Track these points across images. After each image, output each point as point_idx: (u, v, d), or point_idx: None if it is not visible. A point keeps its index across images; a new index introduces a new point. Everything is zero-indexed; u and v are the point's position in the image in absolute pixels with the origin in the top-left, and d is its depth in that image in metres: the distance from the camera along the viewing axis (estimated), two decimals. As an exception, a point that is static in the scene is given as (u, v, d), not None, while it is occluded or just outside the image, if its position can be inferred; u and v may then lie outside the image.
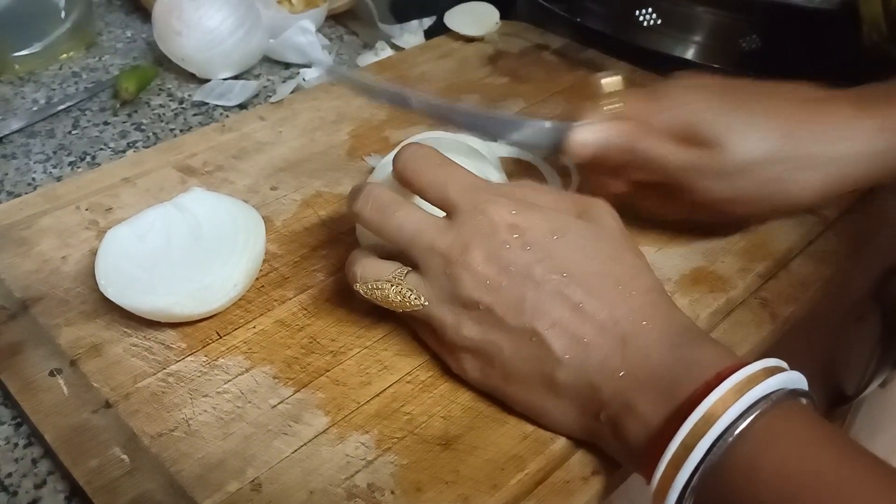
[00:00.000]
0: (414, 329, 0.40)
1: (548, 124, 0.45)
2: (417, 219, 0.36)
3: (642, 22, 0.66)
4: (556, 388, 0.34)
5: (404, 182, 0.38)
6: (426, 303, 0.36)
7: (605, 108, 0.44)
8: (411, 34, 0.73)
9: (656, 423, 0.31)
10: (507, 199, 0.36)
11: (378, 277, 0.37)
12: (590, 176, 0.48)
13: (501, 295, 0.34)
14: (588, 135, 0.43)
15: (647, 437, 0.31)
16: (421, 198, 0.38)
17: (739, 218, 0.47)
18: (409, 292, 0.36)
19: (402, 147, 0.38)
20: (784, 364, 0.32)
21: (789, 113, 0.42)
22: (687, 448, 0.29)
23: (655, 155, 0.42)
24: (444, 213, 0.37)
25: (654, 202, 0.46)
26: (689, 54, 0.64)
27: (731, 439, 0.29)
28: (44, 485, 0.35)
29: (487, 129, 0.47)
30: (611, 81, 0.45)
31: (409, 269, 0.37)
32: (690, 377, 0.31)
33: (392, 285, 0.36)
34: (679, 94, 0.43)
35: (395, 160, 0.38)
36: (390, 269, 0.37)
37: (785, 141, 0.41)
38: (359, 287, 0.37)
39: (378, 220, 0.37)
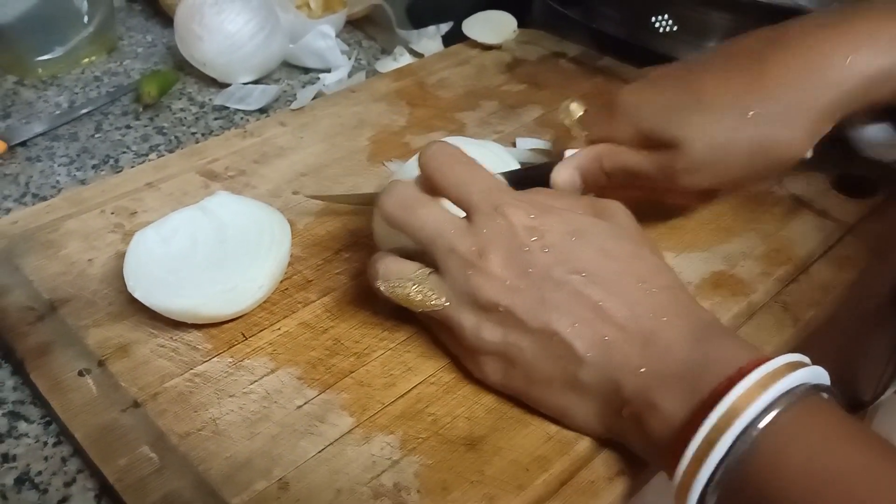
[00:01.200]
0: (434, 333, 0.40)
1: (539, 166, 0.47)
2: (440, 218, 0.37)
3: (658, 28, 0.66)
4: (579, 387, 0.34)
5: (428, 179, 0.38)
6: (446, 303, 0.36)
7: (574, 138, 0.45)
8: (429, 39, 0.74)
9: (679, 419, 0.31)
10: (525, 203, 0.36)
11: (400, 276, 0.37)
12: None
13: (521, 297, 0.34)
14: (566, 173, 0.44)
15: (670, 432, 0.32)
16: (443, 196, 0.38)
17: (744, 187, 0.47)
18: (431, 292, 0.36)
19: (430, 144, 0.39)
20: (806, 359, 0.32)
21: (742, 80, 0.40)
22: (710, 443, 0.29)
23: (630, 167, 0.43)
24: (464, 214, 0.37)
25: (661, 198, 0.46)
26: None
27: (755, 434, 0.29)
28: (73, 483, 0.35)
29: None
30: (574, 106, 0.47)
31: (432, 269, 0.37)
32: (713, 372, 0.31)
33: (414, 284, 0.37)
34: (631, 103, 0.43)
35: (420, 156, 0.38)
36: (413, 268, 0.37)
37: (743, 113, 0.40)
38: (380, 285, 0.38)
39: (401, 216, 0.37)
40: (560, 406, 0.35)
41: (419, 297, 0.37)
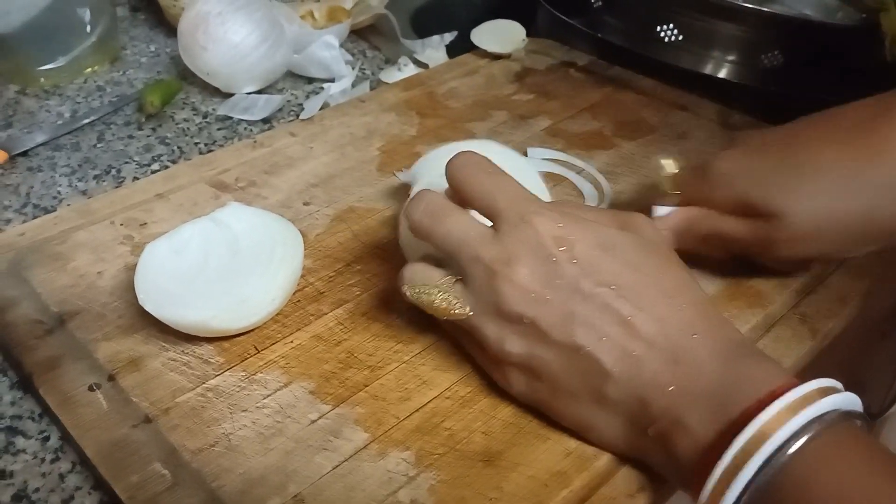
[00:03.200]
0: (459, 341, 0.40)
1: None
2: (466, 227, 0.36)
3: (664, 37, 0.66)
4: (605, 402, 0.34)
5: (454, 188, 0.38)
6: (470, 312, 0.36)
7: (667, 198, 0.44)
8: (433, 49, 0.73)
9: (707, 440, 0.31)
10: (553, 213, 0.36)
11: (426, 282, 0.37)
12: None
13: (547, 309, 0.34)
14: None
15: (696, 453, 0.31)
16: (470, 206, 0.38)
17: (844, 257, 0.46)
18: (455, 300, 0.36)
19: (456, 154, 0.38)
20: (839, 385, 0.31)
21: (851, 149, 0.39)
22: (738, 465, 0.29)
23: (724, 233, 0.42)
24: (491, 223, 0.37)
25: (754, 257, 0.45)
26: (711, 70, 0.64)
27: (784, 459, 0.28)
28: (72, 500, 0.35)
29: None
30: (668, 163, 0.45)
31: (458, 278, 0.37)
32: (743, 394, 0.31)
33: (439, 291, 0.36)
34: (728, 170, 0.42)
35: (447, 166, 0.38)
36: (439, 275, 0.37)
37: (845, 187, 0.39)
38: (406, 290, 0.37)
39: (428, 225, 0.37)
40: (584, 421, 0.35)
41: (444, 304, 0.36)
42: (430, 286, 0.37)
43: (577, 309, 0.34)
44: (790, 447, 0.28)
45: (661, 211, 0.44)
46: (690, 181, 0.44)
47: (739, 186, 0.41)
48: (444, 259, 0.38)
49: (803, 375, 0.41)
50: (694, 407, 0.31)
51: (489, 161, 0.38)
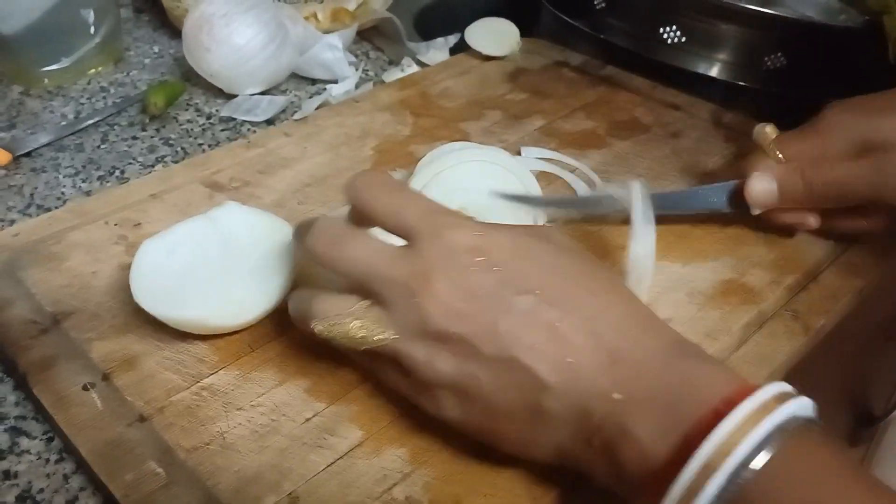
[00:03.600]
0: (378, 376, 0.37)
1: (725, 185, 0.48)
2: (373, 249, 0.34)
3: (666, 39, 0.66)
4: (545, 416, 0.32)
5: (359, 209, 0.36)
6: (395, 335, 0.33)
7: (769, 156, 0.45)
8: (437, 51, 0.73)
9: (659, 452, 0.29)
10: (467, 223, 0.34)
11: (339, 312, 0.34)
12: (779, 219, 0.48)
13: (473, 322, 0.32)
14: (763, 184, 0.45)
15: (646, 466, 0.29)
16: (378, 227, 0.36)
17: None
18: (374, 326, 0.33)
19: (356, 175, 0.36)
20: (792, 388, 0.30)
21: None
22: (699, 483, 0.27)
23: (834, 179, 0.43)
24: (405, 242, 0.35)
25: (851, 224, 0.47)
26: (713, 71, 0.64)
27: (747, 474, 0.26)
28: (76, 501, 0.35)
29: (664, 206, 0.47)
30: (769, 129, 0.46)
31: (370, 301, 0.34)
32: (694, 400, 0.29)
33: (355, 319, 0.33)
34: (839, 113, 0.44)
35: (346, 188, 0.36)
36: (351, 302, 0.34)
37: None
38: (316, 325, 0.34)
39: (330, 254, 0.35)
40: (524, 438, 0.33)
41: (362, 332, 0.33)
42: (342, 315, 0.33)
43: (503, 319, 0.32)
44: (753, 461, 0.27)
45: (761, 177, 0.45)
46: (797, 137, 0.45)
47: (854, 125, 0.42)
48: (349, 288, 0.35)
49: (801, 373, 0.42)
50: (639, 413, 0.30)
51: (392, 178, 0.37)
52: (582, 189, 0.53)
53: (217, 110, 0.65)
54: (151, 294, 0.39)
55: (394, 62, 0.73)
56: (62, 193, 0.54)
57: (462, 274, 0.32)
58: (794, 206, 0.46)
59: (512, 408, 0.32)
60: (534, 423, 0.32)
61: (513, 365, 0.31)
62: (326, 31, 0.71)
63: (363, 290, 0.34)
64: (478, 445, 0.35)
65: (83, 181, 0.56)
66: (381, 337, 0.33)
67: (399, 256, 0.34)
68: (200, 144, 0.60)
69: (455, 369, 0.32)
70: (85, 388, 0.38)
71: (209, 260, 0.41)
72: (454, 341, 0.32)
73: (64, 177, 0.56)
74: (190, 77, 0.67)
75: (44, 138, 0.60)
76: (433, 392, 0.34)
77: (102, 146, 0.60)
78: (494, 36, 0.71)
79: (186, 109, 0.65)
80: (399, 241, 0.34)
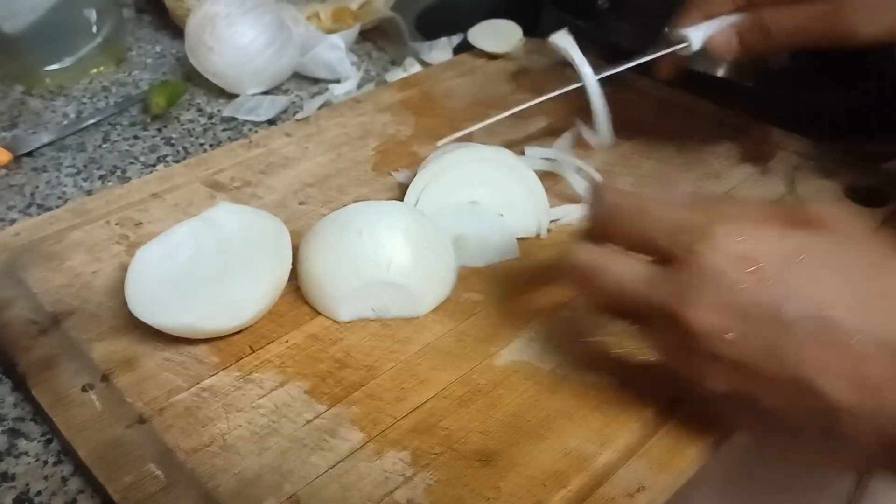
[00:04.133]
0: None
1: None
2: (630, 272, 0.32)
3: (670, 39, 0.65)
4: (843, 436, 0.29)
5: (603, 239, 0.34)
6: (663, 356, 0.33)
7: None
8: (440, 51, 0.73)
9: None
10: (725, 226, 0.30)
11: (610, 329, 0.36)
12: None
13: (748, 346, 0.29)
14: (724, 36, 0.48)
15: None
16: (626, 249, 0.34)
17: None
18: (638, 349, 0.36)
19: (594, 198, 0.35)
20: None
21: None
22: None
23: (794, 26, 0.44)
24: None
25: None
26: (718, 72, 0.64)
27: None
28: (74, 503, 0.34)
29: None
30: None
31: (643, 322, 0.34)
32: None
33: (620, 339, 0.37)
34: None
35: (589, 217, 0.35)
36: (621, 323, 0.35)
37: None
38: (587, 339, 0.37)
39: (592, 289, 0.34)
40: (817, 450, 0.31)
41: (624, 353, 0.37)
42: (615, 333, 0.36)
43: (785, 341, 0.28)
44: None
45: (702, 26, 0.47)
46: None
47: None
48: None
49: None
50: None
51: (628, 194, 0.34)
52: (583, 187, 0.53)
53: (219, 110, 0.64)
54: (147, 303, 0.39)
55: (396, 62, 0.73)
56: (63, 193, 0.54)
57: (727, 293, 0.29)
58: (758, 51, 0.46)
59: (801, 425, 0.30)
60: (829, 440, 0.30)
61: (801, 387, 0.28)
62: (329, 31, 0.71)
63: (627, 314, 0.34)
64: (480, 449, 0.35)
65: (84, 181, 0.55)
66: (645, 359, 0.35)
67: (655, 279, 0.31)
68: (202, 144, 0.60)
69: (731, 388, 0.30)
70: (84, 389, 0.37)
71: (204, 262, 0.41)
72: (726, 365, 0.30)
73: (65, 176, 0.56)
74: (192, 77, 0.67)
75: (45, 138, 0.59)
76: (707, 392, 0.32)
77: (104, 146, 0.60)
78: (497, 34, 0.70)
79: (188, 109, 0.65)
80: None
